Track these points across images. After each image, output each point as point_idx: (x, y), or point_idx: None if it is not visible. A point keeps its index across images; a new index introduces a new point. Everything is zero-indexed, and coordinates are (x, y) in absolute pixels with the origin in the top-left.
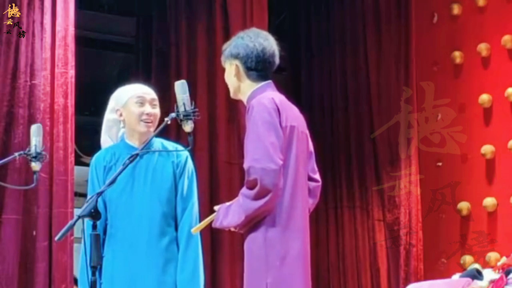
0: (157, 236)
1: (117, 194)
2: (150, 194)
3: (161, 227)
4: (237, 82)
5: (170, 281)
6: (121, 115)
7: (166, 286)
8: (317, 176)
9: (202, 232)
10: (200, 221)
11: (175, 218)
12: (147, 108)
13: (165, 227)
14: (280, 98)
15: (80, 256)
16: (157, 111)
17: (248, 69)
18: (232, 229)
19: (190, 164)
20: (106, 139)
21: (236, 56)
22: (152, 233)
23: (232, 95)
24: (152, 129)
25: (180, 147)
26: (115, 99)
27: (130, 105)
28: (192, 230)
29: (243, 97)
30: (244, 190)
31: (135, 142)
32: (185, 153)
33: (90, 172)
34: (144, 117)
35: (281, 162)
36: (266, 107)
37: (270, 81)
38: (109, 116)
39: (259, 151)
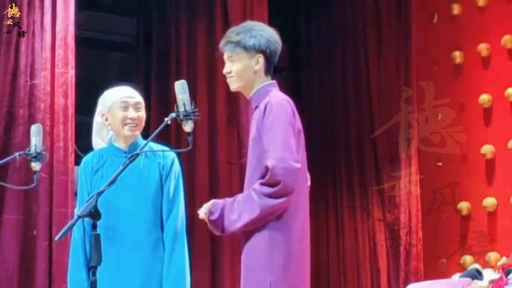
0: (143, 236)
1: (103, 194)
2: (135, 195)
3: (147, 228)
4: (254, 77)
5: (156, 282)
6: (106, 119)
7: (152, 286)
8: (308, 175)
9: (202, 232)
10: (187, 221)
11: (161, 219)
12: (131, 113)
13: (151, 228)
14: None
15: (70, 255)
16: (141, 114)
17: (269, 63)
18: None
19: (176, 166)
20: (97, 141)
21: (263, 50)
22: (138, 234)
23: (236, 87)
24: (137, 133)
25: (167, 149)
26: (101, 103)
27: (114, 109)
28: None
29: (250, 91)
30: (260, 187)
31: (122, 145)
32: (171, 155)
33: (79, 175)
34: (128, 121)
35: (299, 165)
36: (286, 108)
37: (275, 80)
38: (97, 119)
39: (284, 150)
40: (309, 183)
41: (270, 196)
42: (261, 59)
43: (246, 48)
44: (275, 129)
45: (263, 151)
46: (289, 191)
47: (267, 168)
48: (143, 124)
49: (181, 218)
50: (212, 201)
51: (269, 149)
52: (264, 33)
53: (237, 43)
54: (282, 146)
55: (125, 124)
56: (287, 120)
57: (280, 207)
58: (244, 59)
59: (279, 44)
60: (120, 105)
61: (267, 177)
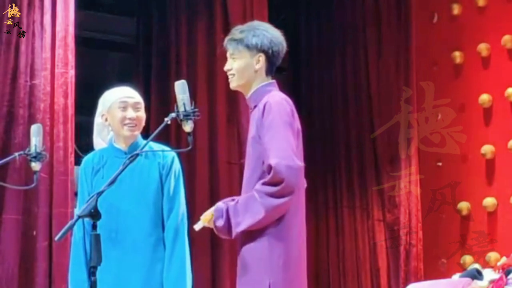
0: (143, 236)
1: (103, 195)
2: (136, 195)
3: (147, 227)
4: (254, 76)
5: (156, 281)
6: (106, 120)
7: (152, 286)
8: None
9: (202, 232)
10: (187, 221)
11: (162, 218)
12: (130, 113)
13: (152, 227)
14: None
15: (71, 256)
16: (140, 114)
17: (271, 64)
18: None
19: (176, 165)
20: (98, 142)
21: (263, 50)
22: (139, 234)
23: (236, 85)
24: (137, 133)
25: (167, 148)
26: (101, 104)
27: (114, 110)
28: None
29: (249, 90)
30: (262, 187)
31: (122, 145)
32: (171, 154)
33: (80, 175)
34: (127, 121)
35: (302, 163)
36: (285, 108)
37: (274, 80)
38: (97, 119)
39: (285, 149)
40: (305, 185)
41: (273, 195)
42: (262, 58)
43: (248, 46)
44: (275, 129)
45: (263, 151)
46: (292, 190)
47: (270, 167)
48: (142, 124)
49: (182, 217)
50: (214, 207)
51: (270, 148)
52: (267, 33)
53: (240, 41)
54: (284, 144)
55: (124, 124)
56: (286, 120)
57: (285, 206)
58: (246, 57)
59: (283, 46)
60: (119, 105)
61: (270, 176)
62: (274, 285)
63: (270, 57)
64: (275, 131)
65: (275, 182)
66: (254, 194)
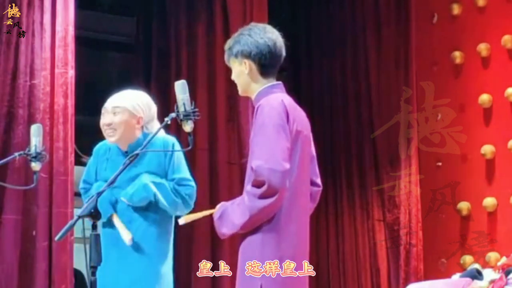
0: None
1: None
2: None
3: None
4: (249, 81)
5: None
6: None
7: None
8: (318, 180)
9: (202, 232)
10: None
11: (163, 217)
12: (106, 119)
13: (154, 217)
14: (289, 100)
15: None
16: (117, 118)
17: (261, 66)
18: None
19: (177, 148)
20: None
21: (247, 55)
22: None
23: (241, 93)
24: (116, 138)
25: (169, 144)
26: None
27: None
28: (180, 220)
29: (252, 94)
30: (251, 188)
31: (122, 146)
32: (171, 140)
33: (93, 153)
34: (104, 128)
35: (288, 166)
36: (276, 109)
37: (280, 82)
38: None
39: (269, 152)
40: (316, 188)
41: (258, 197)
42: (247, 63)
43: (235, 55)
44: (263, 131)
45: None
46: (275, 191)
47: (252, 169)
48: (122, 127)
49: (190, 189)
50: (221, 203)
51: (255, 150)
52: (250, 37)
53: (229, 51)
54: (269, 147)
55: (104, 131)
56: (277, 122)
57: (271, 208)
58: (236, 66)
59: (270, 46)
60: (102, 112)
61: (253, 178)
62: (266, 286)
63: (256, 60)
64: (262, 133)
65: (258, 184)
66: (245, 196)
